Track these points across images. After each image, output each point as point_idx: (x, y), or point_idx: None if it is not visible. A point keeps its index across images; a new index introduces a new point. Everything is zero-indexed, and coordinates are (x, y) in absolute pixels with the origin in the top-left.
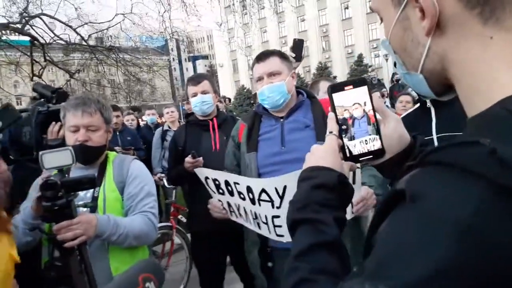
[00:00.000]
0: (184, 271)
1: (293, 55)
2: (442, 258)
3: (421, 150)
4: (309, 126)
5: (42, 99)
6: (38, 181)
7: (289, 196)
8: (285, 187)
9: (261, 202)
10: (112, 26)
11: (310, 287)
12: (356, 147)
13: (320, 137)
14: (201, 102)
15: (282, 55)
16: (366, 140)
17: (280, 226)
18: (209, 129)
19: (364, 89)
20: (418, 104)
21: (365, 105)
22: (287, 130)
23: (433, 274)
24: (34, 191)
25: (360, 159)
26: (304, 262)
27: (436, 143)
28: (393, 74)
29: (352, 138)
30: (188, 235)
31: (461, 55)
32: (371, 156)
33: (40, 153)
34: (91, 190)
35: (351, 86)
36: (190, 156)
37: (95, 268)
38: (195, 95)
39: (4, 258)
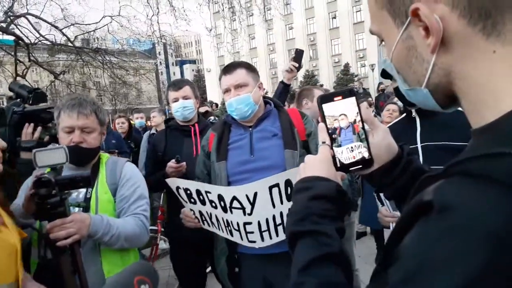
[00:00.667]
0: (169, 276)
1: (296, 64)
2: (474, 270)
3: (408, 159)
4: (277, 135)
5: (18, 99)
6: (29, 180)
7: (259, 203)
8: (255, 194)
9: (232, 209)
10: (99, 28)
11: None
12: (344, 155)
13: (287, 145)
14: (182, 108)
15: (249, 67)
16: (352, 148)
17: (252, 232)
18: (190, 134)
19: (352, 99)
20: (404, 114)
21: (355, 115)
22: (255, 138)
23: (465, 287)
24: (23, 192)
25: (350, 169)
26: (309, 276)
27: (420, 152)
28: (379, 84)
29: (339, 147)
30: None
31: (466, 69)
32: (361, 166)
33: (34, 150)
34: (83, 191)
35: (340, 97)
36: (173, 160)
37: (88, 271)
38: (176, 100)
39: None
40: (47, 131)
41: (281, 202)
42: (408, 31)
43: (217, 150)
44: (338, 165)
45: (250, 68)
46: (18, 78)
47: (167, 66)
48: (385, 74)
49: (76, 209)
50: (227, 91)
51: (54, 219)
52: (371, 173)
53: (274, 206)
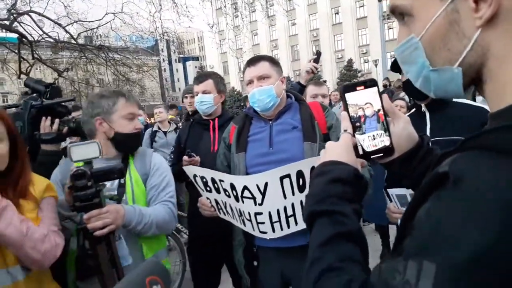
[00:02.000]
0: (176, 274)
1: (318, 66)
2: (488, 237)
3: (428, 149)
4: (297, 128)
5: (35, 94)
6: (57, 171)
7: (270, 193)
8: (266, 184)
9: (244, 199)
10: (102, 25)
11: (338, 274)
12: (366, 143)
13: (306, 138)
14: (199, 102)
15: (272, 60)
16: (374, 136)
17: (263, 223)
18: (209, 128)
19: (374, 89)
20: (414, 109)
21: (377, 104)
22: (275, 131)
23: (480, 252)
24: (54, 182)
25: (372, 156)
26: (328, 251)
27: None
28: (383, 80)
29: (363, 134)
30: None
31: (505, 48)
32: (382, 154)
33: (69, 145)
34: (116, 182)
35: (362, 87)
36: (185, 156)
37: (132, 255)
38: (197, 94)
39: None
40: (65, 124)
41: (293, 194)
42: (455, 4)
43: (237, 142)
44: (360, 152)
45: (274, 61)
46: (22, 76)
47: (170, 63)
48: (394, 67)
49: (110, 201)
50: (250, 82)
51: (91, 210)
52: (392, 161)
53: (285, 197)
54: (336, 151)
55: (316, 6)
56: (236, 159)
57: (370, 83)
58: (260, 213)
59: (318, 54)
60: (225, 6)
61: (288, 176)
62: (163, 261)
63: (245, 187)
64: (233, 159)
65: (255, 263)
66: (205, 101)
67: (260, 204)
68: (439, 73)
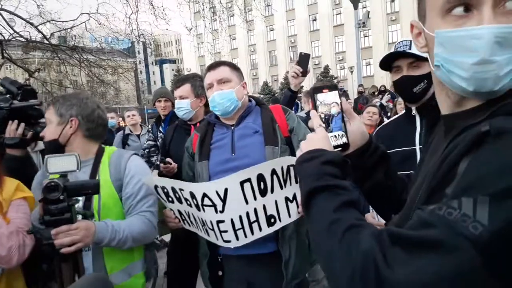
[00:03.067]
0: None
1: (300, 69)
2: None
3: (376, 145)
4: (258, 132)
5: (8, 95)
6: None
7: (231, 199)
8: (226, 190)
9: (204, 207)
10: (77, 25)
11: (360, 230)
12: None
13: (268, 142)
14: (177, 108)
15: (232, 66)
16: (336, 136)
17: (226, 231)
18: (190, 133)
19: (336, 93)
20: (403, 112)
21: (338, 105)
22: (237, 136)
23: None
24: (34, 191)
25: None
26: (344, 213)
27: (418, 154)
28: (358, 86)
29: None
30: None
31: None
32: (340, 149)
33: (46, 156)
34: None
35: (327, 90)
36: (160, 162)
37: (93, 268)
38: (176, 99)
39: None
40: (31, 128)
41: (255, 198)
42: None
43: (199, 150)
44: None
45: (234, 67)
46: None
47: (146, 65)
48: (385, 66)
49: (80, 216)
50: (210, 86)
51: (60, 225)
52: (347, 155)
53: (247, 202)
54: (318, 141)
55: (294, 13)
56: (199, 168)
57: (332, 87)
58: (222, 221)
59: (302, 56)
60: (203, 10)
61: (249, 180)
62: (136, 274)
63: (204, 195)
64: (196, 168)
65: (220, 273)
66: (182, 107)
67: (222, 212)
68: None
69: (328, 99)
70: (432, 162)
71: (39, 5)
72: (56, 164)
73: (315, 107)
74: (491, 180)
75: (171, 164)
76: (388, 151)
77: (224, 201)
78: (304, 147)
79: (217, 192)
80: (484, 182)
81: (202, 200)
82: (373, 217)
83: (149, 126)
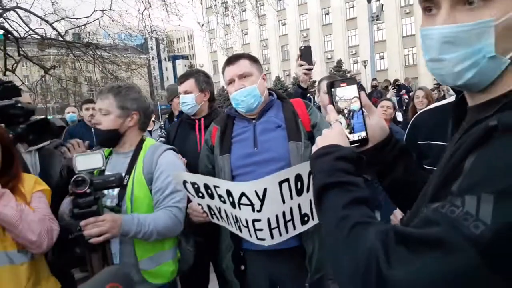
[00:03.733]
0: None
1: (303, 62)
2: None
3: (396, 140)
4: (280, 126)
5: None
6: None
7: (269, 199)
8: (265, 190)
9: (241, 206)
10: (90, 22)
11: (367, 227)
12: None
13: (291, 137)
14: (182, 103)
15: (251, 58)
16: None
17: (261, 230)
18: (195, 128)
19: (354, 87)
20: (452, 98)
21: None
22: (259, 131)
23: None
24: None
25: (350, 145)
26: (353, 210)
27: None
28: (372, 80)
29: (352, 130)
30: None
31: None
32: (358, 144)
33: (74, 155)
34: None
35: (345, 84)
36: None
37: (122, 254)
38: (180, 94)
39: None
40: (11, 130)
41: (291, 198)
42: None
43: (220, 144)
44: None
45: (253, 59)
46: (8, 73)
47: (159, 61)
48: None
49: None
50: (230, 82)
51: (88, 217)
52: (365, 150)
53: (284, 201)
54: (333, 136)
55: (307, 7)
56: (220, 162)
57: (350, 81)
58: (259, 220)
59: (303, 50)
60: (215, 5)
61: (287, 180)
62: (165, 263)
63: (243, 194)
64: (218, 162)
65: (243, 267)
66: (187, 101)
67: (259, 211)
68: (491, 60)
69: (347, 94)
70: (444, 157)
71: (54, 3)
72: (84, 162)
73: (332, 101)
74: (497, 177)
75: (181, 159)
76: (425, 142)
77: (262, 201)
78: (319, 143)
79: (256, 192)
80: (489, 179)
81: (240, 198)
82: (401, 214)
83: (161, 122)
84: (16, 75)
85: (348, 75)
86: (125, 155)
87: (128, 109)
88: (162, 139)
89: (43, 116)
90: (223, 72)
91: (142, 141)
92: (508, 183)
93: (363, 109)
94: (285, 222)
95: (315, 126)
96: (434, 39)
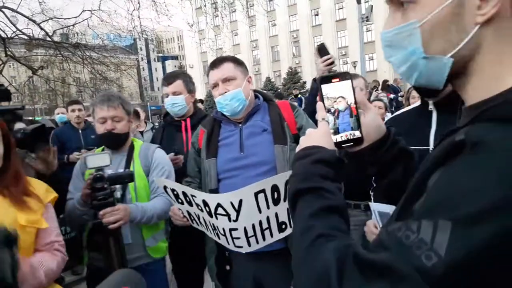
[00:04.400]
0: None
1: (321, 59)
2: (504, 195)
3: (394, 139)
4: (266, 130)
5: None
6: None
7: (245, 209)
8: (241, 201)
9: (217, 215)
10: (79, 22)
11: (330, 240)
12: (337, 137)
13: (277, 140)
14: (171, 104)
15: (236, 61)
16: (345, 134)
17: (238, 238)
18: (181, 129)
19: (348, 82)
20: (418, 103)
21: (350, 97)
22: (245, 135)
23: (494, 207)
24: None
25: (343, 145)
26: (319, 221)
27: None
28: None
29: (336, 131)
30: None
31: (499, 47)
32: (352, 144)
33: (84, 155)
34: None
35: (338, 79)
36: (171, 153)
37: (132, 235)
38: (167, 96)
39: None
40: (12, 135)
41: (268, 207)
42: None
43: (207, 147)
44: (333, 141)
45: (238, 62)
46: None
47: (148, 62)
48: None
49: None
50: (215, 86)
51: (105, 208)
52: (360, 150)
53: (260, 211)
54: (316, 137)
55: (296, 8)
56: (206, 165)
57: (344, 75)
58: (235, 229)
59: (319, 49)
60: (205, 5)
61: (263, 191)
62: (161, 240)
63: (218, 204)
64: (204, 165)
65: (228, 267)
66: (177, 102)
67: (235, 220)
68: (428, 61)
69: (340, 90)
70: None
71: (41, 2)
72: (94, 161)
73: (322, 98)
74: (457, 202)
75: (180, 156)
76: None
77: (238, 211)
78: (302, 143)
79: (232, 203)
80: (449, 204)
81: (216, 209)
82: (375, 226)
83: (153, 124)
84: (3, 75)
85: None
86: (121, 154)
87: (129, 115)
88: None
89: (40, 124)
90: (207, 75)
91: (131, 141)
92: (467, 210)
93: (357, 106)
94: (262, 231)
95: (301, 128)
96: (382, 43)
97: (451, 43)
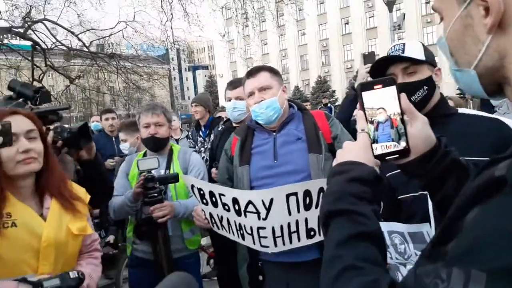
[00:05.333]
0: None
1: (365, 67)
2: None
3: (445, 151)
4: (301, 138)
5: (21, 99)
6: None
7: (275, 209)
8: (271, 200)
9: (247, 213)
10: (114, 33)
11: (360, 273)
12: (378, 149)
13: (311, 149)
14: (232, 108)
15: (272, 70)
16: (388, 145)
17: (265, 237)
18: None
19: (393, 89)
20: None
21: (394, 105)
22: (279, 143)
23: None
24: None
25: (387, 158)
26: (348, 250)
27: None
28: None
29: (375, 142)
30: None
31: None
32: (397, 156)
33: (137, 159)
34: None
35: (380, 85)
36: (214, 168)
37: (172, 228)
38: (229, 99)
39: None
40: (59, 135)
41: (298, 211)
42: (468, 10)
43: (240, 155)
44: (376, 153)
45: (273, 71)
46: (35, 83)
47: (180, 72)
48: (377, 75)
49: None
50: (251, 94)
51: (155, 204)
52: (407, 162)
53: (290, 213)
54: (354, 151)
55: (326, 16)
56: (239, 172)
57: (388, 82)
58: (263, 228)
59: (366, 56)
60: (236, 16)
61: (295, 194)
62: (196, 233)
63: (249, 202)
64: (236, 172)
65: (261, 277)
66: (239, 107)
67: (264, 219)
68: (461, 73)
69: (383, 97)
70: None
71: (80, 15)
72: (145, 164)
73: (363, 107)
74: (493, 251)
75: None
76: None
77: (268, 209)
78: (339, 157)
79: (263, 201)
80: (485, 252)
81: (246, 206)
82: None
83: (189, 132)
84: (42, 84)
85: None
86: (162, 156)
87: (170, 122)
88: (191, 147)
89: (83, 121)
90: (243, 84)
91: (170, 145)
92: (505, 261)
93: (404, 115)
94: (290, 233)
95: (336, 138)
96: None
97: (471, 55)
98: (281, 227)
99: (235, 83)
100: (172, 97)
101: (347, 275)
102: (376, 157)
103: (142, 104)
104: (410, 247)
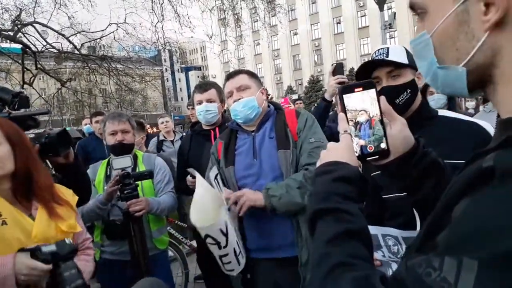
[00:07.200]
0: (179, 286)
1: (345, 77)
2: None
3: (423, 152)
4: (273, 137)
5: None
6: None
7: (232, 231)
8: (226, 223)
9: (208, 245)
10: (105, 35)
11: (351, 269)
12: (359, 150)
13: (280, 146)
14: (205, 111)
15: (250, 73)
16: (369, 142)
17: (229, 263)
18: (211, 139)
19: (372, 91)
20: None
21: (374, 107)
22: (257, 142)
23: None
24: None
25: (367, 158)
26: (337, 248)
27: None
28: None
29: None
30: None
31: None
32: (377, 157)
33: (111, 158)
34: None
35: (361, 88)
36: (189, 176)
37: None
38: (200, 102)
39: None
40: (36, 140)
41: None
42: (465, 5)
43: (225, 156)
44: (357, 154)
45: (252, 74)
46: (25, 86)
47: (172, 73)
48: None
49: None
50: (230, 94)
51: (131, 199)
52: (387, 163)
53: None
54: (338, 151)
55: (318, 16)
56: (226, 173)
57: (368, 85)
58: (226, 255)
59: (336, 66)
60: (224, 18)
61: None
62: (164, 233)
63: (207, 235)
64: (224, 173)
65: (248, 275)
66: (211, 110)
67: (225, 246)
68: (445, 71)
69: (364, 100)
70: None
71: (70, 17)
72: (118, 163)
73: (344, 109)
74: (485, 239)
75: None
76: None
77: (226, 235)
78: (323, 158)
79: (220, 230)
80: (476, 240)
81: (205, 239)
82: (375, 259)
83: (183, 134)
84: (33, 88)
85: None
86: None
87: (134, 129)
88: None
89: (62, 127)
90: (223, 87)
91: (134, 151)
92: (498, 249)
93: (383, 117)
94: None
95: (299, 133)
96: None
97: (463, 52)
98: (237, 242)
99: (204, 86)
100: (165, 98)
101: (339, 270)
102: (358, 158)
103: (135, 106)
104: (403, 248)
